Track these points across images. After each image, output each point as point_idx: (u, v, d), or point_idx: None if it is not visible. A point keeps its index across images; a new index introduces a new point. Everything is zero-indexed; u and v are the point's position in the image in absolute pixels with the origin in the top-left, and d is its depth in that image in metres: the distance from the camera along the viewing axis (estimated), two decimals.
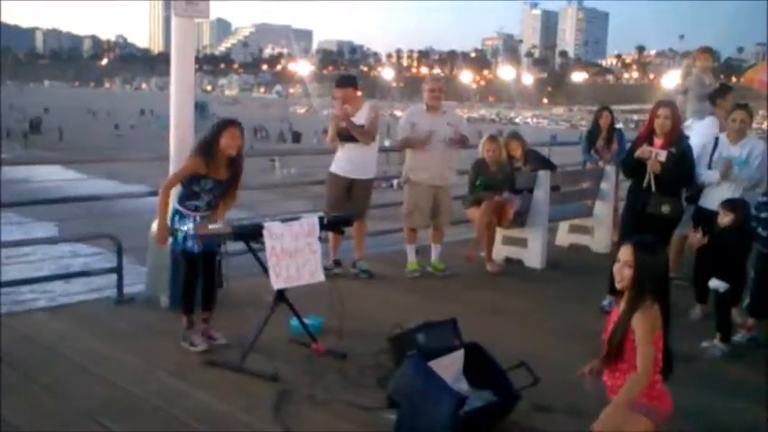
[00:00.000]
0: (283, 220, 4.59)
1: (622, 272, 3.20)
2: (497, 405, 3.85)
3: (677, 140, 5.71)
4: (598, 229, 8.44)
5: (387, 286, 6.72)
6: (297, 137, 54.08)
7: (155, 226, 4.92)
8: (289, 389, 4.20)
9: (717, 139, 5.87)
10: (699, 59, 8.48)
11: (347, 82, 6.94)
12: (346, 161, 6.77)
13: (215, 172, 4.68)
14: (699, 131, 6.71)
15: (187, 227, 4.66)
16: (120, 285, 5.90)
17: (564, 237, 8.68)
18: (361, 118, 6.68)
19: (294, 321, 4.90)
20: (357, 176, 6.75)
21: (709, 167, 5.80)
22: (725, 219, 5.06)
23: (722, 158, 5.75)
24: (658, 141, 5.73)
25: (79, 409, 3.92)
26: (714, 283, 5.14)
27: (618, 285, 3.24)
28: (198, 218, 4.68)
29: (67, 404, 3.98)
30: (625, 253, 3.20)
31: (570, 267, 7.67)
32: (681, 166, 5.63)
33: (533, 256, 7.50)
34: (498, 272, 7.22)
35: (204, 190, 4.69)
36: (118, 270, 5.93)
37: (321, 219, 4.75)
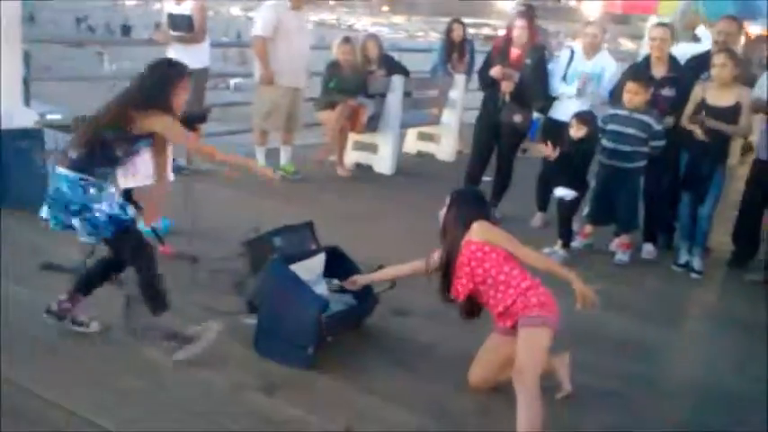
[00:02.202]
0: None
1: (442, 211, 3.42)
2: (357, 309, 3.84)
3: (533, 51, 5.80)
4: (445, 138, 8.57)
5: (236, 189, 6.46)
6: (126, 30, 50.52)
7: None
8: (135, 295, 3.94)
9: (572, 52, 6.00)
10: None
11: None
12: (173, 52, 6.43)
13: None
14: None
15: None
16: None
17: (412, 144, 8.76)
18: (186, 8, 6.44)
19: (140, 223, 4.59)
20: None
21: (564, 79, 5.94)
22: (579, 131, 5.22)
23: (577, 72, 5.89)
24: (515, 51, 5.79)
25: None
26: (561, 192, 5.35)
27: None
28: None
29: None
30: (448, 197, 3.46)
31: (418, 174, 7.77)
32: (535, 78, 5.74)
33: (383, 161, 7.50)
34: (349, 177, 7.18)
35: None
36: None
37: None
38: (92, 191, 3.28)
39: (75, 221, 3.30)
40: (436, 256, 3.43)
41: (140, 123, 3.32)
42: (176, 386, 3.22)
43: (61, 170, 3.30)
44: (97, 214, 3.28)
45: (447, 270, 3.30)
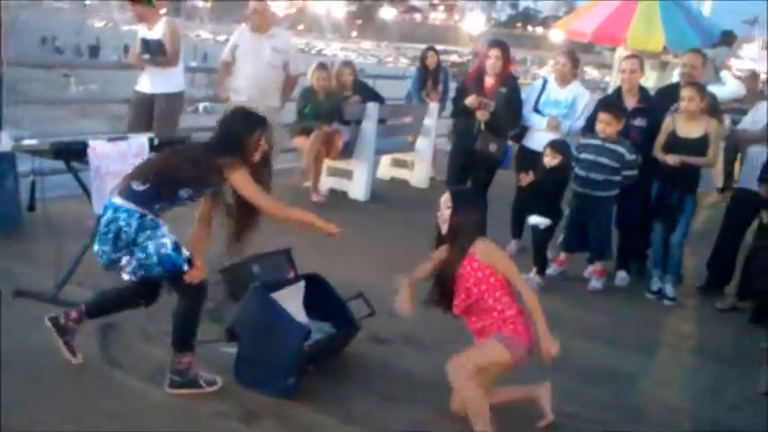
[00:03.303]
0: (110, 139, 4.19)
1: (444, 214, 3.34)
2: (338, 337, 3.82)
3: (507, 81, 5.88)
4: (418, 165, 8.63)
5: None
6: (95, 52, 50.11)
7: None
8: (112, 322, 3.88)
9: (545, 81, 6.10)
10: None
11: None
12: (147, 75, 6.43)
13: None
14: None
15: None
16: None
17: (385, 170, 8.80)
18: (157, 33, 6.38)
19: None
20: (159, 90, 6.38)
21: (536, 109, 6.03)
22: (553, 160, 5.30)
23: (549, 102, 5.99)
24: (489, 81, 5.86)
25: None
26: (535, 220, 5.41)
27: (443, 228, 3.36)
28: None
29: None
30: (445, 198, 3.38)
31: (392, 200, 7.80)
32: (510, 106, 5.82)
33: (358, 188, 7.52)
34: (323, 203, 7.16)
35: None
36: None
37: (151, 139, 4.38)
38: (148, 228, 3.16)
39: (124, 257, 3.18)
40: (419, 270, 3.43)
41: (219, 172, 3.25)
42: (154, 414, 3.17)
43: (120, 202, 3.16)
44: (150, 252, 3.15)
45: (447, 275, 3.29)
